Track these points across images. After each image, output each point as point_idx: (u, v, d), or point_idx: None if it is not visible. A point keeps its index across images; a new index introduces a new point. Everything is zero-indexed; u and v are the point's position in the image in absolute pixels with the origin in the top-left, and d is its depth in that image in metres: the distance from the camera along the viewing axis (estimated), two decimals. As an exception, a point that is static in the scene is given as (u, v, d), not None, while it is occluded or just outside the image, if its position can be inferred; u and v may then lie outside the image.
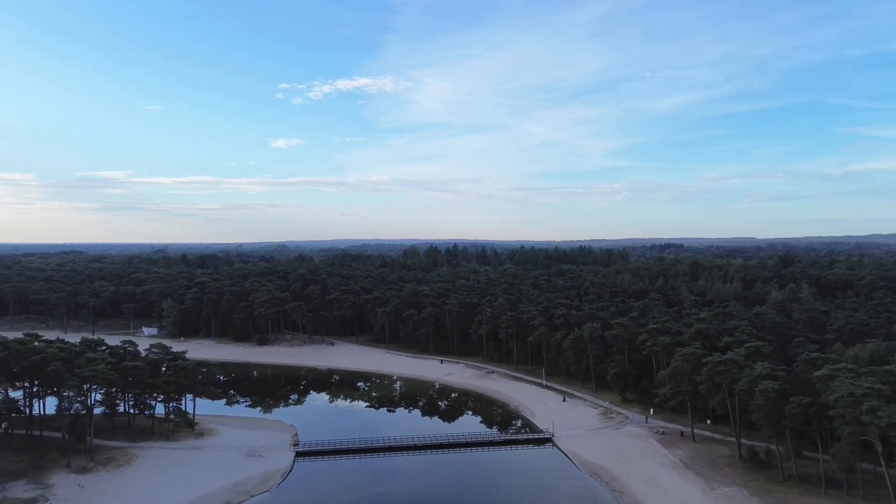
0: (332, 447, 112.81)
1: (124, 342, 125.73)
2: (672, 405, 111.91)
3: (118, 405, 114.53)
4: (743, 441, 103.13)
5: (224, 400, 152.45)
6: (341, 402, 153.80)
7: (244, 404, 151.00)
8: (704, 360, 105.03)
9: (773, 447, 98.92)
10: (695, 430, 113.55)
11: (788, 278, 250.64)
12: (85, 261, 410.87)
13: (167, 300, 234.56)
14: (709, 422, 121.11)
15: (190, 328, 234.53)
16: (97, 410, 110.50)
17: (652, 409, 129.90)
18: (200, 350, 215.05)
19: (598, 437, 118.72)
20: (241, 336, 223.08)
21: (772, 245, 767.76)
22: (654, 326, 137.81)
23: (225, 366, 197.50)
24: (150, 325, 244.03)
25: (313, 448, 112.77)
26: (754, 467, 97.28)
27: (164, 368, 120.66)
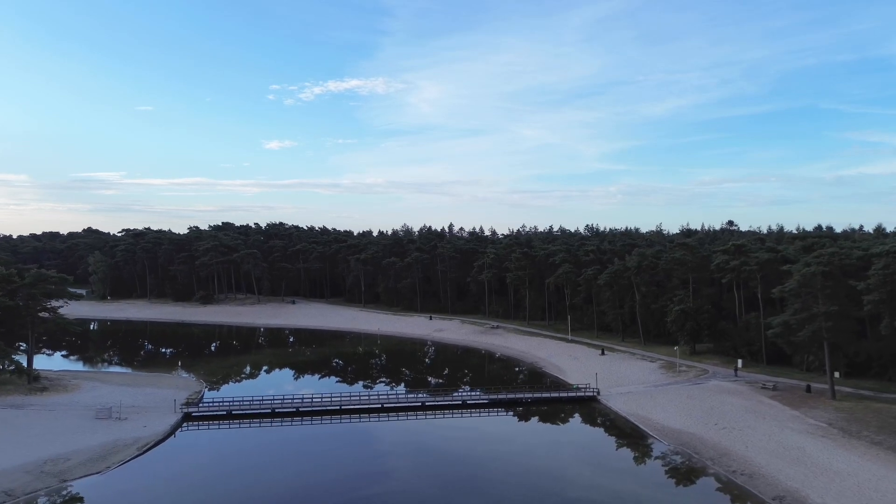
0: (249, 409, 69.62)
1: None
2: (800, 338, 68.41)
3: None
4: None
5: (123, 360, 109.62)
6: (293, 362, 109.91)
7: (156, 365, 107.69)
8: (871, 250, 61.57)
9: None
10: (834, 385, 70.18)
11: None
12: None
13: (94, 253, 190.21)
14: (838, 375, 77.99)
15: (123, 288, 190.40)
16: None
17: (740, 361, 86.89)
18: (128, 310, 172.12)
19: (669, 394, 75.57)
20: (182, 295, 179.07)
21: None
22: (738, 243, 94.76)
23: (154, 326, 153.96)
24: (77, 287, 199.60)
25: (213, 410, 69.44)
26: (977, 434, 54.32)
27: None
